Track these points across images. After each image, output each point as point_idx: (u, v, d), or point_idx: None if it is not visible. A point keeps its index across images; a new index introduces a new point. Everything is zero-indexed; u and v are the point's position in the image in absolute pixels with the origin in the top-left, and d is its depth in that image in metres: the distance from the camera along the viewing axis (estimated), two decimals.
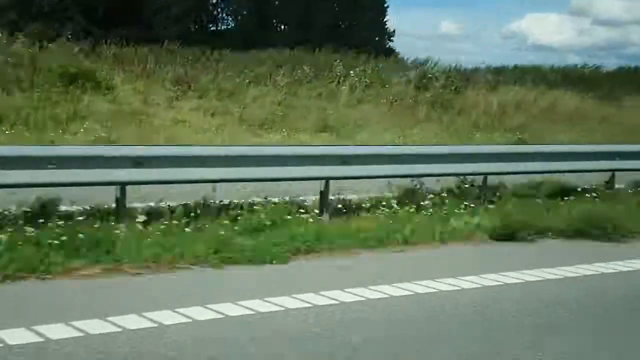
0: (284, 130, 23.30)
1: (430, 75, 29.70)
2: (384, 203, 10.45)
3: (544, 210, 10.36)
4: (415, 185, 10.83)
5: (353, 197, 10.88)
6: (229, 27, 46.33)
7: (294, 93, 26.32)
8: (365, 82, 27.96)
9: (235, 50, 28.62)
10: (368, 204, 10.41)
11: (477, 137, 25.65)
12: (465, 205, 10.33)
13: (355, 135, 23.72)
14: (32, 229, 7.82)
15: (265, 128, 22.93)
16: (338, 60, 28.49)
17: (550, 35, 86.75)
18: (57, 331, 5.51)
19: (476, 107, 29.68)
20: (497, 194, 11.01)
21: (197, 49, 26.52)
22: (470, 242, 9.31)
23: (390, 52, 44.44)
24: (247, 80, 25.52)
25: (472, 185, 11.14)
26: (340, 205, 10.21)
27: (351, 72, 27.98)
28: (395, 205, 10.24)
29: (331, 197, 10.13)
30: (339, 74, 27.90)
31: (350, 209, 10.21)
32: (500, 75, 32.99)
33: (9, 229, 7.77)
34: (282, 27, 46.37)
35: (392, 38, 50.24)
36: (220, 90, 24.63)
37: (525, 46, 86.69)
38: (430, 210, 10.13)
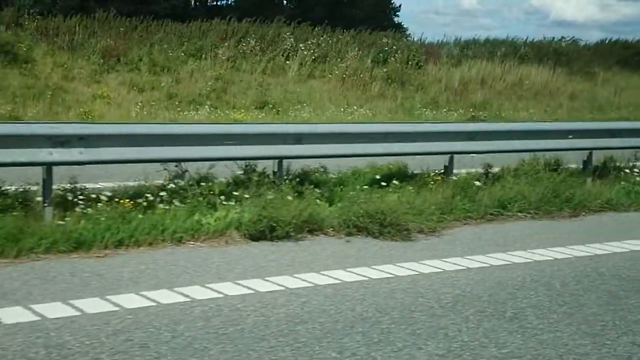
0: (216, 107, 22.09)
1: (386, 49, 28.14)
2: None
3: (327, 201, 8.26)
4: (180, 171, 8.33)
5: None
6: (230, 3, 44.99)
7: (237, 67, 24.97)
8: (314, 56, 26.47)
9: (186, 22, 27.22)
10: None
11: (425, 114, 24.28)
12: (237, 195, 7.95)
13: (296, 113, 22.46)
14: None
15: (196, 104, 21.62)
16: (289, 33, 27.03)
17: (573, 11, 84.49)
18: None
19: (438, 83, 28.31)
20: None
21: (134, 19, 25.05)
22: (219, 241, 7.14)
23: (396, 28, 43.33)
24: (183, 53, 24.13)
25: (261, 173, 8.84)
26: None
27: (301, 45, 26.51)
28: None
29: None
30: (288, 47, 26.46)
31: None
32: (469, 50, 31.37)
33: None
34: (284, 2, 45.21)
35: (397, 13, 49.05)
36: (154, 64, 23.30)
37: (548, 22, 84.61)
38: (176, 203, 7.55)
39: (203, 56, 24.59)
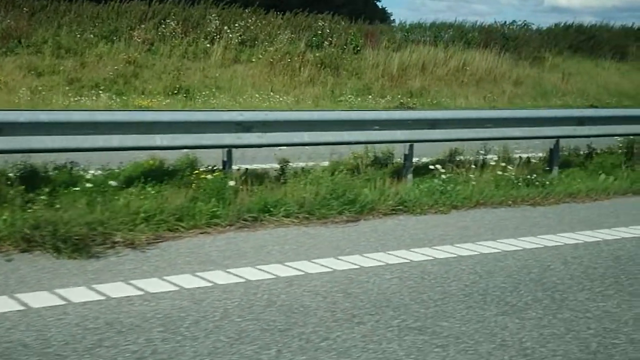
0: (122, 92, 20.78)
1: (319, 32, 26.77)
2: None
3: None
4: None
5: None
6: None
7: (154, 51, 23.60)
8: (240, 39, 25.11)
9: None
10: None
11: (351, 101, 22.98)
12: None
13: (211, 100, 21.16)
14: None
15: (100, 90, 20.30)
16: (214, 15, 25.61)
17: None
18: None
19: (375, 68, 26.97)
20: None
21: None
22: None
23: (380, 14, 42.29)
24: (93, 35, 22.75)
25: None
26: None
27: (226, 28, 25.12)
28: None
29: None
30: (213, 30, 25.07)
31: None
32: (414, 34, 29.98)
33: None
34: None
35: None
36: (59, 47, 21.93)
37: (542, 8, 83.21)
38: None
39: (117, 39, 23.21)
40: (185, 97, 21.33)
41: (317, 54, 25.87)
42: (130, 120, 7.49)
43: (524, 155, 10.64)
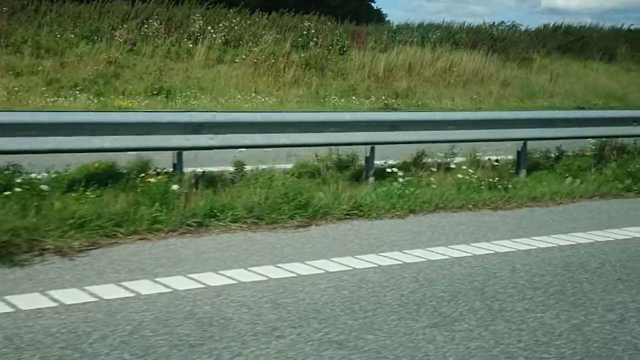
0: (102, 93, 20.57)
1: (305, 33, 26.56)
2: None
3: None
4: None
5: None
6: None
7: (136, 51, 23.39)
8: (224, 39, 24.90)
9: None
10: None
11: (334, 102, 22.80)
12: None
13: (192, 101, 20.94)
14: None
15: (79, 90, 20.11)
16: (198, 15, 25.39)
17: None
18: None
19: (361, 69, 26.78)
20: None
21: None
22: None
23: (375, 14, 42.24)
24: (74, 35, 22.53)
25: None
26: None
27: (209, 27, 24.91)
28: None
29: None
30: (196, 30, 24.86)
31: None
32: (402, 34, 29.76)
33: None
34: None
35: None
36: (39, 47, 21.72)
37: (539, 9, 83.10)
38: None
39: (98, 39, 23.00)
40: (166, 97, 21.17)
41: (302, 55, 25.68)
42: (74, 121, 7.27)
43: (494, 158, 10.48)
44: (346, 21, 28.95)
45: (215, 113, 8.21)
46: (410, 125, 8.91)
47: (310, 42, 26.62)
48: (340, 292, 5.32)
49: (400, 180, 8.50)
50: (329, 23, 28.26)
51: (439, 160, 9.83)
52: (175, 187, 6.98)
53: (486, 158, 10.50)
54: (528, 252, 6.62)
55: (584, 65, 30.21)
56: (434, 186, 8.67)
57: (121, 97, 20.51)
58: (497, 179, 9.18)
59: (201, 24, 25.06)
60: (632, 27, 33.65)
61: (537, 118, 10.01)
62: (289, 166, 9.43)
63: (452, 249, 6.66)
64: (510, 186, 9.01)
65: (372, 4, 48.61)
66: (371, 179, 8.79)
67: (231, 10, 26.70)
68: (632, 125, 10.51)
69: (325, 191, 7.92)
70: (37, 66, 20.89)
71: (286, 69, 24.80)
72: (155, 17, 24.51)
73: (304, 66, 25.35)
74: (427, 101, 25.23)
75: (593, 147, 11.47)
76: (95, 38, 22.99)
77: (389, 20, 43.03)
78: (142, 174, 7.31)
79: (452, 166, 9.53)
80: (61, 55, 21.82)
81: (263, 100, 22.06)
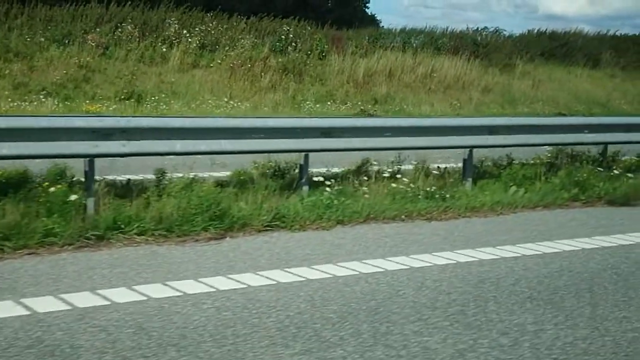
0: (71, 97, 20.23)
1: (282, 37, 26.20)
2: None
3: None
4: None
5: None
6: None
7: (109, 55, 23.04)
8: (200, 43, 24.55)
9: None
10: None
11: (309, 107, 22.45)
12: None
13: (161, 105, 20.57)
14: None
15: (43, 95, 19.75)
16: (173, 19, 25.04)
17: (563, 4, 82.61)
18: None
19: (340, 74, 26.42)
20: None
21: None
22: None
23: (369, 20, 42.04)
24: (44, 39, 22.17)
25: None
26: None
27: (185, 32, 24.55)
28: None
29: None
30: (171, 34, 24.50)
31: None
32: (383, 39, 29.36)
33: None
34: None
35: (367, 5, 47.91)
36: (7, 50, 21.37)
37: (536, 15, 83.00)
38: None
39: (70, 42, 22.64)
40: (137, 102, 20.82)
41: (280, 59, 25.34)
42: None
43: (443, 166, 10.13)
44: (327, 26, 28.61)
45: (130, 118, 7.85)
46: (343, 132, 8.51)
47: (289, 47, 26.26)
48: (221, 314, 4.95)
49: (328, 190, 8.12)
50: (309, 28, 27.91)
51: (378, 169, 9.47)
52: (73, 197, 6.59)
53: (435, 166, 10.17)
54: (444, 267, 6.25)
55: (567, 71, 29.83)
56: (366, 195, 8.31)
57: (87, 101, 20.16)
58: (434, 188, 8.80)
59: (177, 28, 24.72)
60: (618, 33, 33.38)
61: (482, 125, 9.61)
62: (227, 174, 9.11)
63: (366, 263, 6.29)
64: (448, 196, 8.64)
65: (366, 9, 48.54)
66: (305, 188, 8.41)
67: (208, 14, 26.39)
68: (583, 133, 10.12)
69: (247, 201, 7.55)
70: (5, 70, 20.56)
71: (263, 73, 24.45)
72: (130, 20, 24.15)
73: (281, 71, 25.01)
74: (405, 107, 24.89)
75: (550, 155, 11.12)
76: (67, 42, 22.63)
77: (383, 26, 42.84)
78: (46, 183, 6.93)
79: (398, 175, 9.11)
80: (30, 59, 21.45)
81: (235, 105, 21.67)
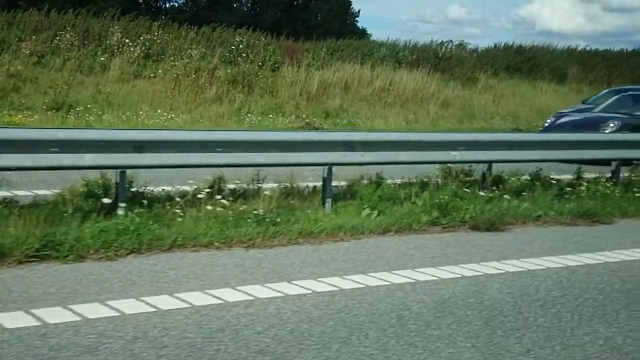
0: None
1: (233, 47, 25.32)
2: None
3: None
4: None
5: None
6: (180, 2, 42.92)
7: (44, 64, 22.17)
8: (144, 53, 23.67)
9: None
10: None
11: (249, 119, 21.54)
12: None
13: (87, 116, 19.56)
14: None
15: None
16: (117, 27, 24.13)
17: (560, 21, 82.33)
18: None
19: (293, 87, 25.52)
20: None
21: None
22: None
23: (360, 33, 41.51)
24: None
25: None
26: None
27: (127, 40, 23.67)
28: None
29: None
30: (114, 42, 23.62)
31: None
32: (344, 51, 28.41)
33: None
34: (234, 5, 43.05)
35: (357, 19, 47.35)
36: None
37: (534, 32, 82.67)
38: None
39: (2, 50, 21.78)
40: (67, 113, 19.89)
41: (229, 70, 24.46)
42: None
43: (312, 185, 9.17)
44: (282, 37, 27.72)
45: None
46: (159, 147, 7.49)
47: (239, 58, 25.38)
48: None
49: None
50: (263, 38, 27.00)
51: (250, 186, 8.53)
52: None
53: (305, 185, 9.22)
54: (196, 310, 5.25)
55: (532, 86, 28.91)
56: (179, 219, 7.32)
57: (19, 111, 19.27)
58: (275, 211, 7.81)
59: (119, 37, 23.85)
60: (588, 48, 32.42)
61: (336, 140, 8.60)
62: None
63: (106, 305, 5.27)
64: (279, 220, 7.61)
65: (356, 22, 47.96)
66: (120, 210, 7.43)
67: (155, 23, 25.50)
68: (459, 150, 9.11)
69: (18, 225, 6.56)
70: None
71: (209, 85, 23.56)
72: (69, 29, 23.25)
73: (229, 82, 24.15)
74: (357, 121, 23.98)
75: (436, 174, 10.13)
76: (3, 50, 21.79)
77: (374, 40, 41.91)
78: None
79: (218, 196, 8.03)
80: None
81: (169, 117, 20.70)
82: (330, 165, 8.51)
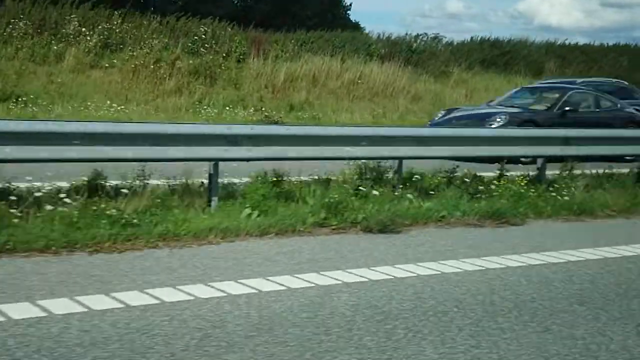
0: None
1: (195, 38, 24.58)
2: None
3: None
4: None
5: None
6: None
7: None
8: (102, 43, 22.93)
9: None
10: None
11: (206, 112, 20.79)
12: None
13: (35, 109, 18.82)
14: None
15: None
16: (74, 16, 23.35)
17: (558, 16, 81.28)
18: None
19: (258, 79, 24.78)
20: None
21: None
22: None
23: (352, 26, 40.78)
24: None
25: None
26: None
27: (84, 30, 22.92)
28: None
29: None
30: (70, 31, 22.87)
31: None
32: (315, 43, 27.62)
33: None
34: None
35: (348, 12, 46.53)
36: None
37: (532, 27, 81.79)
38: None
39: None
40: (15, 104, 19.16)
41: (191, 62, 23.70)
42: None
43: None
44: (250, 27, 26.91)
45: None
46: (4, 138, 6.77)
47: (202, 48, 24.63)
48: None
49: None
50: (229, 29, 26.22)
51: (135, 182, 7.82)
52: None
53: (200, 181, 8.50)
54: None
55: (507, 80, 28.09)
56: (15, 220, 6.57)
57: None
58: (140, 210, 7.09)
59: (76, 26, 23.10)
60: (567, 42, 31.63)
61: (219, 134, 7.86)
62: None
63: None
64: (136, 221, 6.85)
65: (349, 14, 47.22)
66: None
67: (115, 12, 24.66)
68: (360, 146, 8.38)
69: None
70: None
71: (170, 76, 22.82)
72: (22, 17, 22.50)
73: (191, 74, 23.42)
74: (320, 115, 23.22)
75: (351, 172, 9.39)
76: None
77: (368, 33, 41.18)
78: None
79: (62, 195, 7.27)
80: None
81: (121, 109, 19.93)
82: (209, 160, 7.78)
